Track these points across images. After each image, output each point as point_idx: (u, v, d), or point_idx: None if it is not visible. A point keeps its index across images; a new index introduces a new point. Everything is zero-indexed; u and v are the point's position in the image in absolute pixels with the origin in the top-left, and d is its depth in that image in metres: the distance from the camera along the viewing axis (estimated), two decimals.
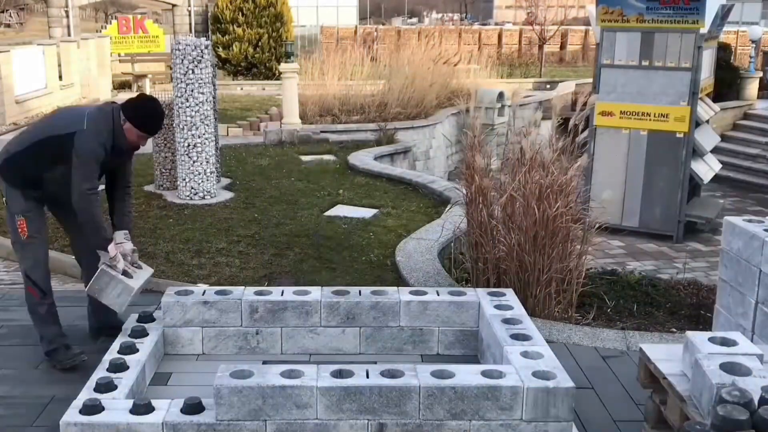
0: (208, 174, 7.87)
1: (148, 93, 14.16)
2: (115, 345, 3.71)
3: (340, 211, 7.64)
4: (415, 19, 60.46)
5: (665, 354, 3.16)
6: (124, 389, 3.33)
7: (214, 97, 8.08)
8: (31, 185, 3.91)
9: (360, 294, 4.08)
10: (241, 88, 19.89)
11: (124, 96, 18.83)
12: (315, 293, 4.07)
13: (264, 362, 3.86)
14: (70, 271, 5.98)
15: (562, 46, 31.99)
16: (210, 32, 23.61)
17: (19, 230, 3.89)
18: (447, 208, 7.36)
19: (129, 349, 3.65)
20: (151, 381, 3.75)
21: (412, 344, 4.05)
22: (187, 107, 7.64)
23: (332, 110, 13.63)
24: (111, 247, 3.89)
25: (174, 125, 7.85)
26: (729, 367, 2.71)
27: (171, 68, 9.07)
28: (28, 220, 3.90)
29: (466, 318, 4.03)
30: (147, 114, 3.97)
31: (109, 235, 3.91)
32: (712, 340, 2.94)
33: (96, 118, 3.87)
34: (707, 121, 10.11)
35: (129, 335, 3.83)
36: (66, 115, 4.09)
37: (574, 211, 5.08)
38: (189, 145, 7.73)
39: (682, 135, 9.27)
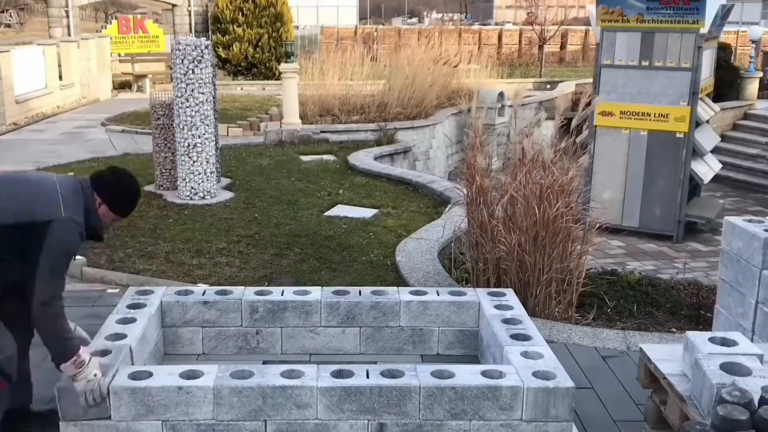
0: (208, 174, 7.87)
1: (148, 92, 14.13)
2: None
3: (340, 211, 7.64)
4: (415, 20, 60.46)
5: (665, 354, 3.16)
6: None
7: (214, 97, 8.08)
8: None
9: (360, 294, 4.07)
10: (241, 88, 19.89)
11: (124, 96, 18.90)
12: (315, 293, 4.07)
13: (264, 362, 3.86)
14: (70, 271, 5.97)
15: (562, 46, 31.97)
16: (210, 32, 23.62)
17: None
18: (447, 208, 7.36)
19: None
20: None
21: (412, 344, 4.04)
22: (187, 107, 7.64)
23: (332, 110, 13.63)
24: (84, 352, 3.02)
25: (174, 125, 7.85)
26: (729, 367, 2.71)
27: (171, 68, 9.07)
28: None
29: (466, 318, 4.03)
30: (128, 194, 3.24)
31: (76, 345, 3.02)
32: (712, 340, 2.94)
33: (73, 202, 3.04)
34: (707, 121, 10.10)
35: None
36: (29, 194, 3.03)
37: (575, 211, 5.08)
38: (189, 145, 7.73)
39: (682, 135, 9.26)
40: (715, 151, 10.80)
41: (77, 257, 6.03)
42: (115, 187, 3.19)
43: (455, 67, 15.97)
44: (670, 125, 9.28)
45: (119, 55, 21.16)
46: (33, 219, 2.94)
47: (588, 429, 3.59)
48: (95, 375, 2.98)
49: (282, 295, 4.05)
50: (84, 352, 3.01)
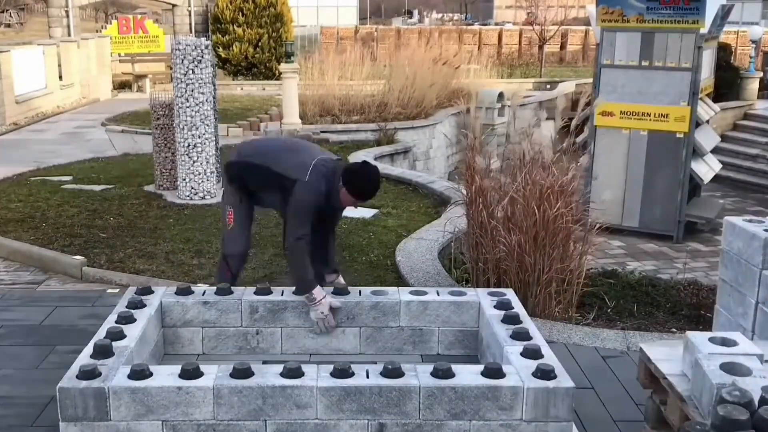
0: (208, 174, 7.87)
1: (148, 92, 14.14)
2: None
3: None
4: (415, 20, 60.46)
5: (665, 354, 3.16)
6: None
7: (214, 97, 8.08)
8: (246, 192, 4.27)
9: (360, 294, 4.07)
10: (241, 88, 19.90)
11: (124, 96, 18.89)
12: (315, 293, 4.06)
13: (264, 362, 3.85)
14: (70, 271, 5.99)
15: (562, 46, 31.99)
16: (210, 32, 23.62)
17: (228, 219, 4.31)
18: (447, 209, 7.36)
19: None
20: None
21: (412, 344, 4.04)
22: (187, 107, 7.64)
23: (332, 110, 13.63)
24: (317, 291, 3.88)
25: (174, 125, 7.85)
26: (729, 367, 2.71)
27: (171, 68, 9.07)
28: (235, 213, 4.29)
29: (466, 318, 4.02)
30: (364, 182, 4.00)
31: (313, 285, 3.89)
32: (712, 340, 2.93)
33: (318, 174, 3.95)
34: (707, 121, 10.10)
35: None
36: (294, 157, 4.09)
37: (575, 211, 5.08)
38: (189, 145, 7.73)
39: (682, 135, 9.26)
40: (715, 151, 10.80)
41: (77, 257, 6.06)
42: (356, 176, 3.98)
43: (456, 68, 15.95)
44: (670, 125, 9.28)
45: (119, 55, 21.17)
46: (288, 175, 3.97)
47: (588, 429, 3.59)
48: (322, 313, 3.87)
49: (282, 295, 4.05)
50: (318, 292, 3.86)
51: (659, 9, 9.05)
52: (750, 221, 3.86)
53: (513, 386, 3.05)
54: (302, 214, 3.91)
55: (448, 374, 3.10)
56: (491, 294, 4.13)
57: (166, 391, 3.01)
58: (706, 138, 10.06)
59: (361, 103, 13.85)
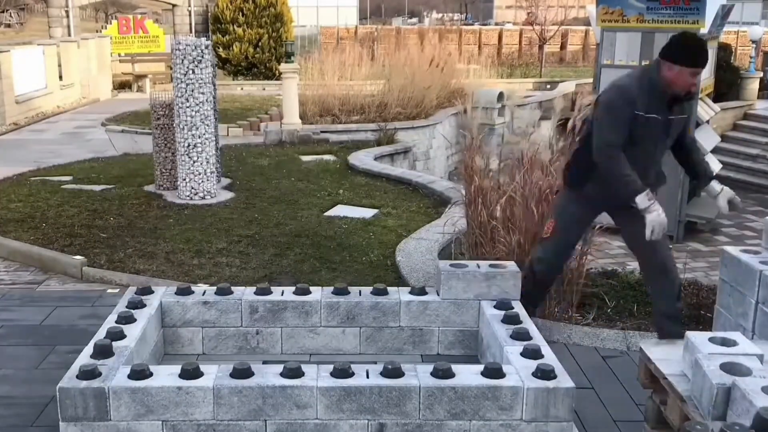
0: (208, 174, 7.87)
1: (148, 92, 14.14)
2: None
3: (340, 211, 7.64)
4: (415, 20, 60.49)
5: (665, 354, 3.16)
6: None
7: (214, 97, 8.08)
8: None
9: (360, 294, 4.07)
10: (242, 88, 19.90)
11: (124, 96, 18.89)
12: (315, 293, 4.07)
13: (264, 362, 3.85)
14: (70, 271, 5.99)
15: (563, 46, 32.02)
16: (210, 32, 23.63)
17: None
18: (447, 209, 7.36)
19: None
20: None
21: (412, 344, 4.04)
22: (188, 107, 7.64)
23: (332, 110, 13.64)
24: (641, 198, 3.88)
25: (174, 125, 7.85)
26: (729, 367, 2.71)
27: (171, 68, 9.07)
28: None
29: (466, 318, 4.03)
30: (686, 41, 3.86)
31: (639, 188, 3.89)
32: (712, 340, 2.94)
33: (623, 79, 3.99)
34: (707, 122, 10.10)
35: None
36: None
37: None
38: (189, 145, 7.73)
39: None
40: (715, 151, 10.80)
41: (77, 257, 6.05)
42: (670, 43, 3.87)
43: (442, 71, 15.83)
44: None
45: (119, 55, 21.17)
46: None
47: (588, 429, 3.59)
48: (659, 215, 3.87)
49: (282, 295, 4.05)
50: (649, 195, 3.88)
51: (659, 9, 9.05)
52: (746, 251, 3.87)
53: (513, 386, 3.05)
54: (603, 119, 3.93)
55: (448, 374, 3.10)
56: None
57: (166, 391, 3.02)
58: (706, 138, 10.06)
59: (361, 103, 13.85)
